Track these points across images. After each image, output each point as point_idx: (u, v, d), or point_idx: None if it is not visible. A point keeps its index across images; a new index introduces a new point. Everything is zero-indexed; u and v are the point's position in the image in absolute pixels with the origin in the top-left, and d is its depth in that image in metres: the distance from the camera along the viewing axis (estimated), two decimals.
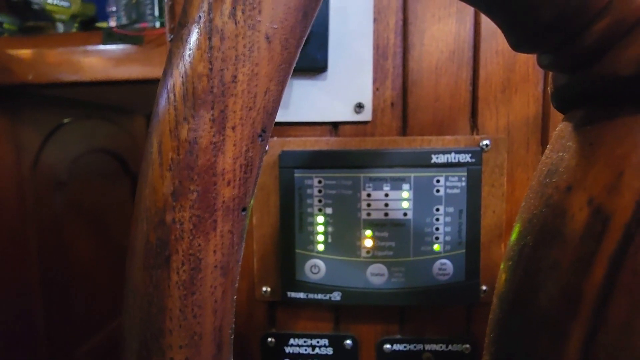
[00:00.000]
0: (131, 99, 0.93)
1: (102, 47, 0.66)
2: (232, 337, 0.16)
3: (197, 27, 0.13)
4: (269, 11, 0.13)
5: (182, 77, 0.13)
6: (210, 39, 0.13)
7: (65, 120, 0.84)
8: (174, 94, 0.13)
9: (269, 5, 0.13)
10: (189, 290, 0.14)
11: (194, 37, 0.13)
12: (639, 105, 0.13)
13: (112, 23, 0.80)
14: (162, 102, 0.14)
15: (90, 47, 0.66)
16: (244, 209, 0.15)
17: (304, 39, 0.15)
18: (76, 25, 0.82)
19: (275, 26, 0.13)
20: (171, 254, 0.14)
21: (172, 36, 0.35)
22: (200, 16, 0.13)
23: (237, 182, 0.14)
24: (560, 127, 0.17)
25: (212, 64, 0.13)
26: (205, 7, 0.13)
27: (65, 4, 0.79)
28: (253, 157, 0.14)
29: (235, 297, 0.16)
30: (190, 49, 0.13)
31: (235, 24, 0.13)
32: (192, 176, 0.14)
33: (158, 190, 0.14)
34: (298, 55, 0.15)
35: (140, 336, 0.14)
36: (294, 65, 0.15)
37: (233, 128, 0.14)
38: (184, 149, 0.13)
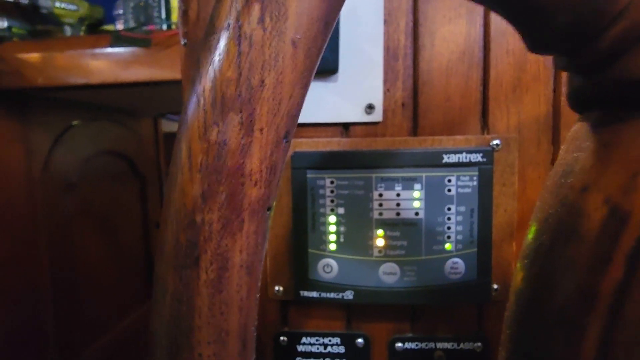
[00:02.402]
0: (139, 101, 0.93)
1: (110, 50, 0.66)
2: (255, 335, 0.17)
3: (226, 33, 0.14)
4: (294, 21, 0.14)
5: (212, 82, 0.14)
6: (239, 44, 0.13)
7: (75, 123, 0.85)
8: (204, 99, 0.14)
9: (294, 16, 0.14)
10: (217, 289, 0.15)
11: (222, 44, 0.14)
12: None
13: (120, 26, 0.81)
14: (192, 107, 0.14)
15: (98, 50, 0.67)
16: (268, 209, 0.15)
17: (324, 48, 0.15)
18: (84, 28, 0.83)
19: (299, 36, 0.14)
20: (200, 254, 0.14)
21: (185, 41, 0.36)
22: (229, 23, 0.14)
23: (262, 184, 0.15)
24: (576, 128, 0.17)
25: (240, 70, 0.14)
26: (233, 14, 0.14)
27: (73, 7, 0.80)
28: (277, 159, 0.15)
29: (258, 295, 0.16)
30: (219, 55, 0.14)
31: (264, 31, 0.13)
32: (221, 178, 0.14)
33: (188, 193, 0.14)
34: (318, 63, 0.15)
35: (170, 333, 0.15)
36: (315, 72, 0.15)
37: (260, 131, 0.14)
38: (213, 152, 0.14)
